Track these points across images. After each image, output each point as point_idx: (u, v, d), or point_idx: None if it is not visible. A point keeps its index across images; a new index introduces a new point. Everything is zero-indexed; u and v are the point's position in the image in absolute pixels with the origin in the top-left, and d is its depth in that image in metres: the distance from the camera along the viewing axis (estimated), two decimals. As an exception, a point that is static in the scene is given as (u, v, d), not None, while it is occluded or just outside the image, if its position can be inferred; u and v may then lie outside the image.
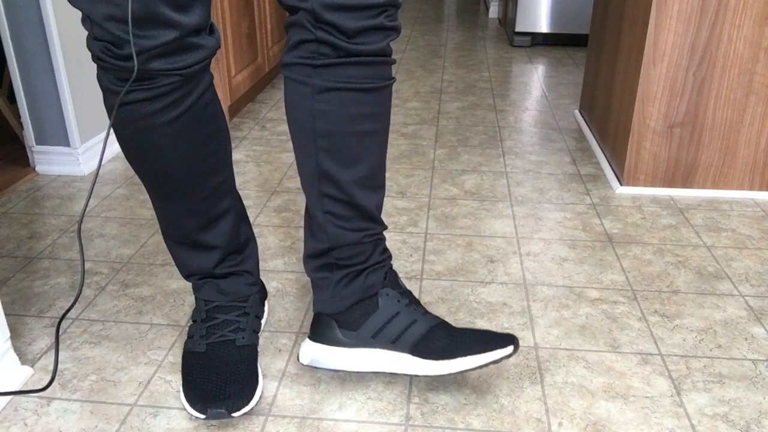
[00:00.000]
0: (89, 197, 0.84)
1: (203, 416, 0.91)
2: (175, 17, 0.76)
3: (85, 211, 0.82)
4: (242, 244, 1.04)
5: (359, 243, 0.96)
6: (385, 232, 1.47)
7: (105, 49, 0.77)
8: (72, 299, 1.22)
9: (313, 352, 0.99)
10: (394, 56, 3.26)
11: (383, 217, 1.56)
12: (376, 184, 0.95)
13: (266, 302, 1.19)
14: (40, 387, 1.00)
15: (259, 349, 1.09)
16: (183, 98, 0.84)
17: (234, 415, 0.91)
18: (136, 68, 0.76)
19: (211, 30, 0.84)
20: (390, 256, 1.01)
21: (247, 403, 0.93)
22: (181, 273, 1.04)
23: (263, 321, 1.14)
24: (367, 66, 0.85)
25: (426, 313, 0.99)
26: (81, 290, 0.85)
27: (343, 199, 0.92)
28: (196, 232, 0.97)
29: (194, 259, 1.00)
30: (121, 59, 0.77)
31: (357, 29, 0.82)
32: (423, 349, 0.94)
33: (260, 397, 0.99)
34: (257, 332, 1.06)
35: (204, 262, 1.00)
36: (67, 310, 0.82)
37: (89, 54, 1.81)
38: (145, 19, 0.75)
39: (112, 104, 0.84)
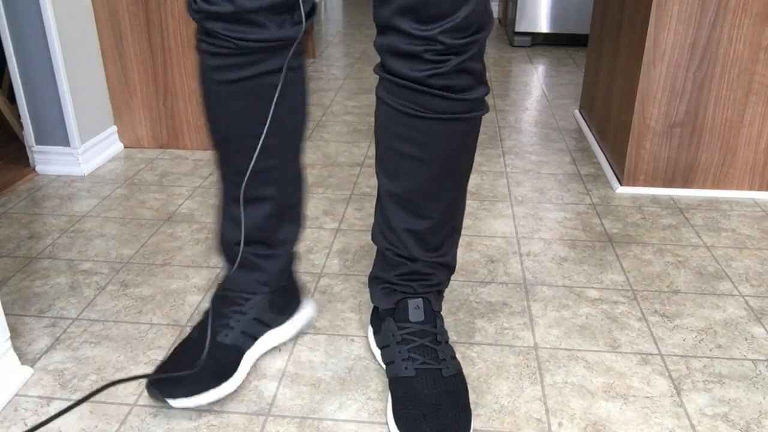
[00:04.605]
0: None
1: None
2: None
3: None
4: (274, 243, 1.02)
5: (383, 252, 1.01)
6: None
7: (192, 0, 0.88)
8: (72, 300, 1.22)
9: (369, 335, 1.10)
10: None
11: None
12: (413, 210, 0.95)
13: (292, 318, 1.11)
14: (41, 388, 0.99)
15: (259, 349, 1.09)
16: (238, 67, 0.88)
17: (171, 403, 0.92)
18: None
19: (296, 21, 0.87)
20: (422, 287, 1.01)
21: (188, 396, 0.93)
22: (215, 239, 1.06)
23: (278, 331, 1.08)
24: (408, 91, 0.86)
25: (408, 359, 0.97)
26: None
27: (382, 204, 0.98)
28: (230, 201, 1.00)
29: (225, 224, 1.02)
30: (193, 12, 0.86)
31: (401, 54, 0.85)
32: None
33: (213, 401, 0.95)
34: (254, 337, 1.03)
35: (230, 234, 1.02)
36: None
37: (89, 54, 1.81)
38: None
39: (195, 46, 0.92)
